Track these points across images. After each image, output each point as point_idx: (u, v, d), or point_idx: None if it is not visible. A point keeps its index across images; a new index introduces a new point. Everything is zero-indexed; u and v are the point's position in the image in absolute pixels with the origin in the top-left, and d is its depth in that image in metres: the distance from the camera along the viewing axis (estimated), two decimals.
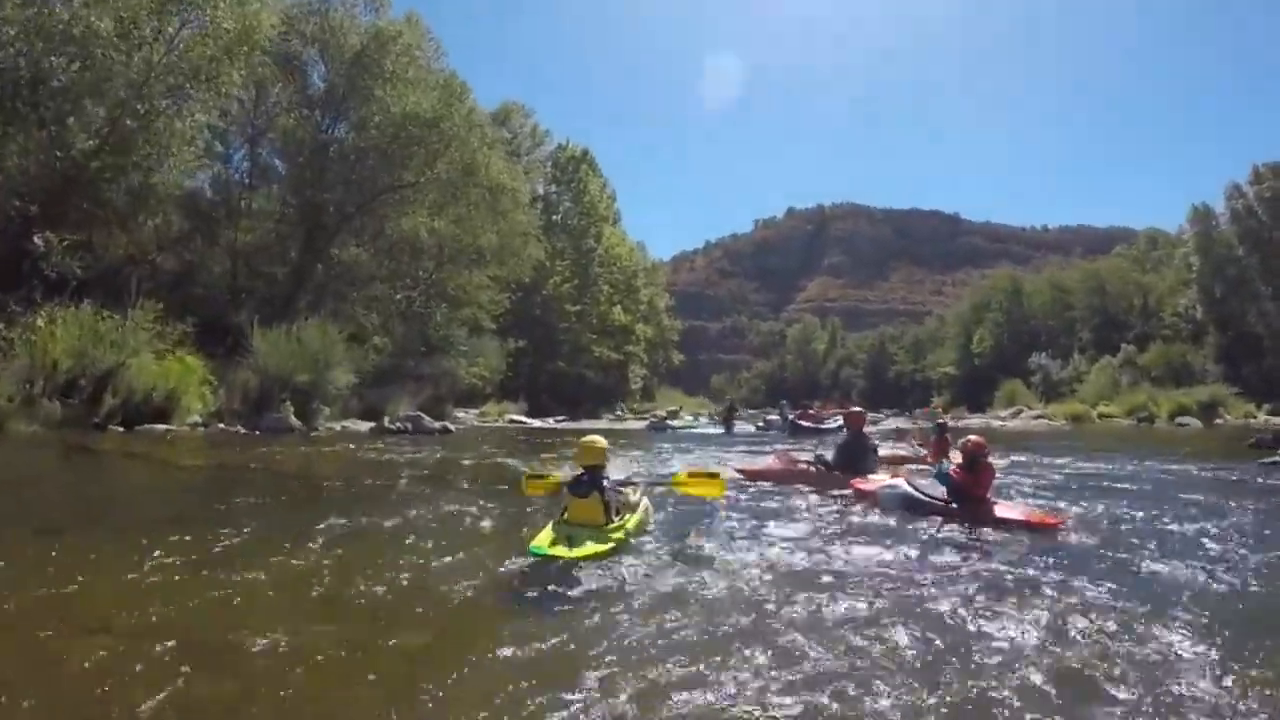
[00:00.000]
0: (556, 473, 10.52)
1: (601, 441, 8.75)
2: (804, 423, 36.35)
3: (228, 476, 14.04)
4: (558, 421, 45.92)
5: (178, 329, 23.99)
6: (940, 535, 9.16)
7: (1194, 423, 43.84)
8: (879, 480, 12.31)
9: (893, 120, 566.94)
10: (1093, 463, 19.11)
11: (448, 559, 7.43)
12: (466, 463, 17.97)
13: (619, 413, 63.83)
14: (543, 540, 7.67)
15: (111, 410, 20.91)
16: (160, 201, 27.91)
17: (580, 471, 8.58)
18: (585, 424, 44.27)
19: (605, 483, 8.44)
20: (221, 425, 23.34)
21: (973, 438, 10.62)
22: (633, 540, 8.39)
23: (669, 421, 44.08)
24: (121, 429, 20.62)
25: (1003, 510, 10.00)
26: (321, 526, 8.71)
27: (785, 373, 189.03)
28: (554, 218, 64.01)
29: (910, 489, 11.06)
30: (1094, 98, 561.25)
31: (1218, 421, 44.81)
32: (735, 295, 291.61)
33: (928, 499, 10.59)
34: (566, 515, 8.31)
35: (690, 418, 50.42)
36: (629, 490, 9.50)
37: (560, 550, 7.45)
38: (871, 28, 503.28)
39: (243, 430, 23.13)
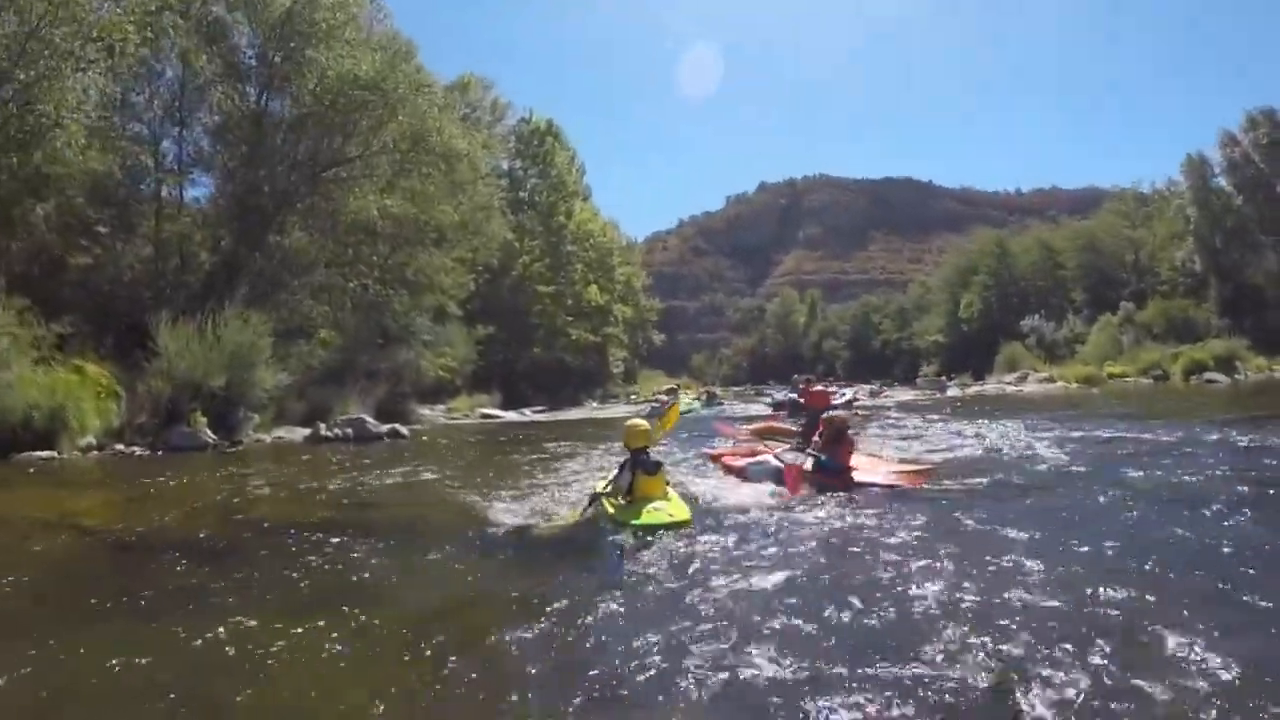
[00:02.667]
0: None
1: (645, 424, 10.14)
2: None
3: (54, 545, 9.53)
4: (535, 413, 42.24)
5: (51, 332, 19.87)
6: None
7: (1219, 379, 40.45)
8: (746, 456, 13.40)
9: (862, 91, 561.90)
10: (1188, 433, 15.73)
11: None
12: (401, 485, 13.88)
13: (629, 398, 60.56)
14: (641, 514, 8.65)
15: None
16: (50, 185, 23.96)
17: (635, 452, 9.55)
18: (570, 414, 40.80)
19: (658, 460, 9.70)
20: (120, 446, 19.16)
21: (838, 414, 12.38)
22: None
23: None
24: None
25: (864, 476, 11.20)
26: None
27: (766, 348, 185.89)
28: (520, 194, 60.02)
29: (779, 463, 11.82)
30: (1059, 61, 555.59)
31: (1237, 377, 41.53)
32: (711, 273, 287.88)
33: (801, 469, 11.29)
34: (634, 493, 9.22)
35: (690, 399, 44.91)
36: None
37: (662, 517, 8.54)
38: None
39: (142, 452, 19.01)
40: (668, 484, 9.66)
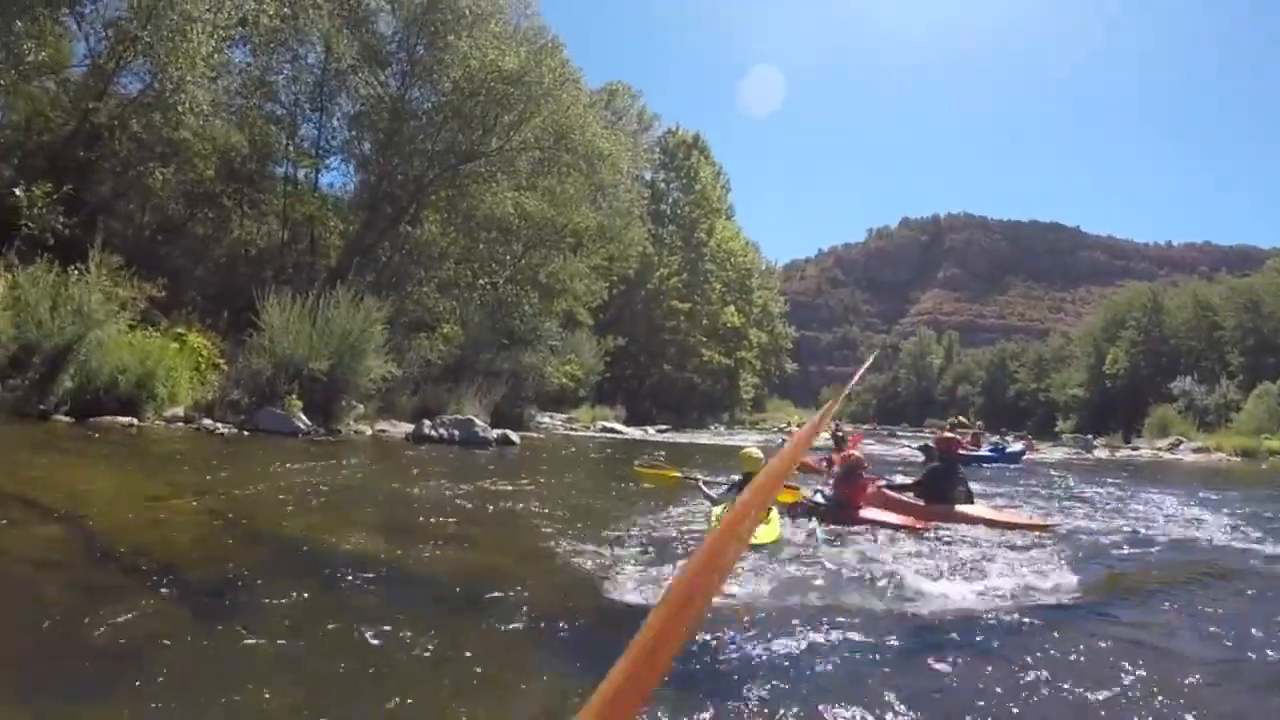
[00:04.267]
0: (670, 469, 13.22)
1: (758, 452, 11.82)
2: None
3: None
4: (659, 431, 40.66)
5: (142, 293, 18.66)
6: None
7: None
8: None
9: (1009, 129, 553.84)
10: None
11: None
12: (492, 512, 11.20)
13: (740, 422, 58.70)
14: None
15: (66, 395, 15.94)
16: (179, 152, 23.14)
17: (740, 478, 11.01)
18: (696, 437, 39.14)
19: None
20: (207, 422, 17.74)
21: (853, 453, 13.52)
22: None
23: None
24: (69, 419, 15.56)
25: (871, 514, 11.30)
26: None
27: (899, 387, 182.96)
28: (662, 207, 58.86)
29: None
30: (1220, 110, 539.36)
31: None
32: (847, 305, 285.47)
33: (807, 502, 11.74)
34: None
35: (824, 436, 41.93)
36: None
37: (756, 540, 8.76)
38: (985, 35, 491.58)
39: (227, 430, 17.51)
40: (770, 508, 9.59)
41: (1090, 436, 59.11)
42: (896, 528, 10.72)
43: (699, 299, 60.03)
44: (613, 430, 37.06)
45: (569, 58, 33.07)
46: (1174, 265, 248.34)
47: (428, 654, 4.75)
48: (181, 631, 4.86)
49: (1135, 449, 49.71)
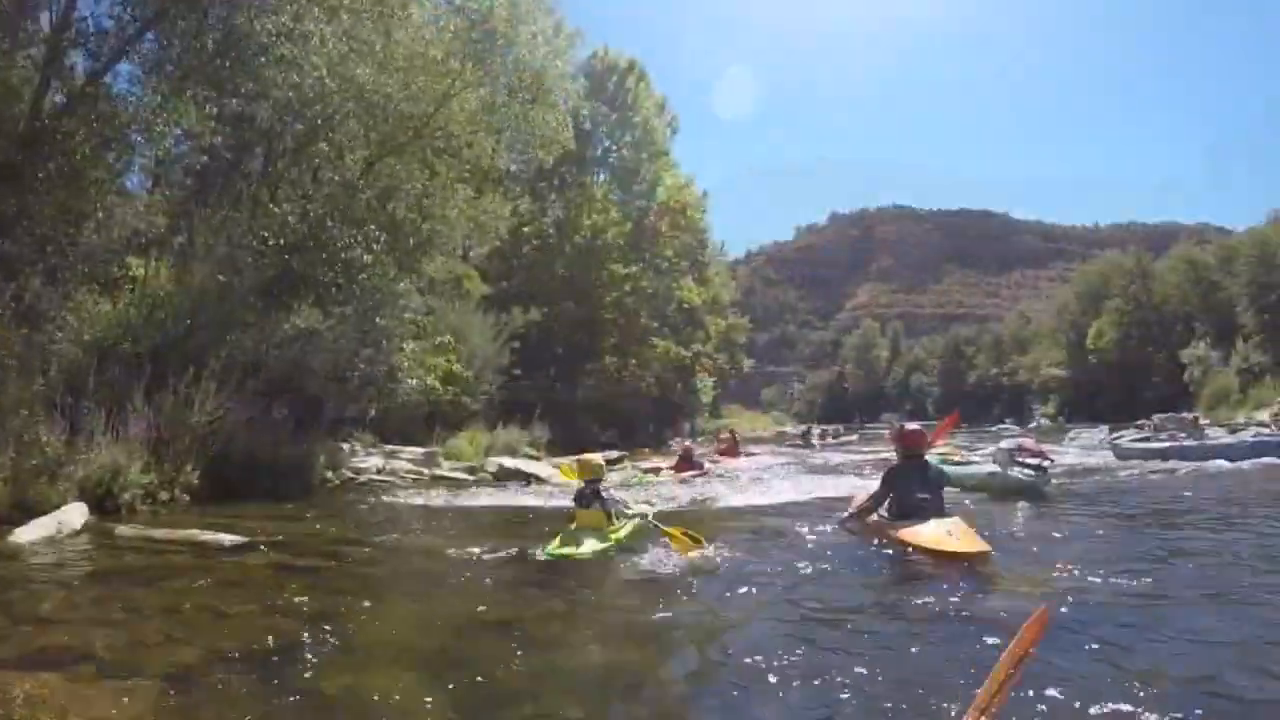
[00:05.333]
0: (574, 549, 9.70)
1: (598, 458, 10.62)
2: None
3: None
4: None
5: None
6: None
7: None
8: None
9: (937, 120, 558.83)
10: None
11: None
12: None
13: (702, 433, 46.45)
14: (555, 544, 8.94)
15: None
16: None
17: (582, 485, 9.89)
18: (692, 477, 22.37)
19: (604, 494, 9.84)
20: None
21: (721, 441, 15.23)
22: (631, 544, 9.37)
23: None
24: None
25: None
26: None
27: (845, 383, 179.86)
28: (591, 152, 42.37)
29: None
30: (1140, 92, 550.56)
31: None
32: (782, 304, 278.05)
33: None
34: (574, 525, 9.58)
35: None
36: (626, 499, 10.76)
37: (568, 550, 8.81)
38: (911, 27, 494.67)
39: None
40: (618, 515, 9.77)
41: (1143, 422, 39.26)
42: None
43: (643, 264, 41.13)
44: (516, 475, 19.21)
45: None
46: (1103, 245, 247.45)
47: None
48: None
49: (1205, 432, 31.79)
